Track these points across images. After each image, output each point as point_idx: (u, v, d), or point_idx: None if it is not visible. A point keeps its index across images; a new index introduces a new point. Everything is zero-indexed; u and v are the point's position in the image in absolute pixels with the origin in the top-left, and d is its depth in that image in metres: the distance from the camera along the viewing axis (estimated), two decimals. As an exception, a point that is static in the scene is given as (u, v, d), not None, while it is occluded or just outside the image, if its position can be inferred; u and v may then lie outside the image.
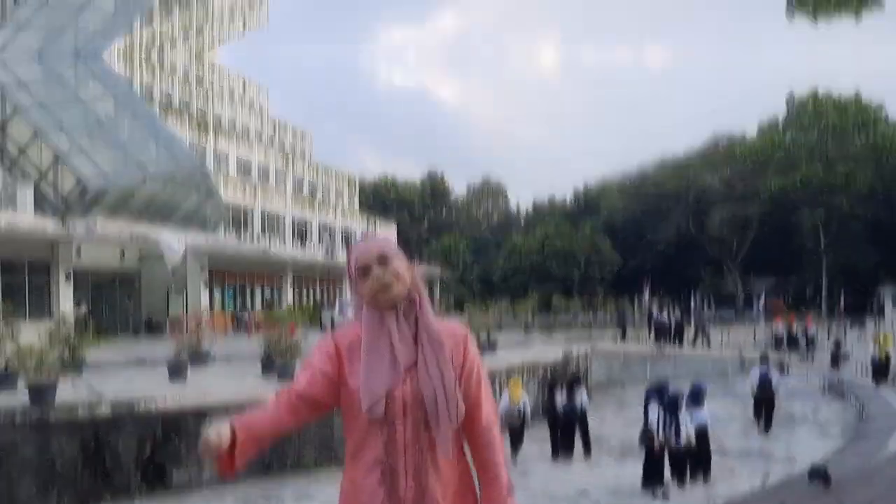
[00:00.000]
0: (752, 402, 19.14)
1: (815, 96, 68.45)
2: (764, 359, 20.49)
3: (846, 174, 60.73)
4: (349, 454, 2.57)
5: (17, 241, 24.99)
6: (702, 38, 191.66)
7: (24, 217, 25.07)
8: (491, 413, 2.58)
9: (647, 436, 11.51)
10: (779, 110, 73.20)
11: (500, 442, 2.57)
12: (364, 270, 2.50)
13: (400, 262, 2.54)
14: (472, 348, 2.60)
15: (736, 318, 55.25)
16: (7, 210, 25.28)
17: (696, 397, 13.02)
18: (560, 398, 15.62)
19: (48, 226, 25.34)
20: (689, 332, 38.92)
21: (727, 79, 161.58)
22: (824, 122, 64.61)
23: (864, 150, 62.03)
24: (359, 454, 2.53)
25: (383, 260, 2.49)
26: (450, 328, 2.59)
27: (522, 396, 15.18)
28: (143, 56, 49.52)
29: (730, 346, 35.81)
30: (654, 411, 11.44)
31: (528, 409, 15.61)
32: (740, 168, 71.71)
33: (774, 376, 19.15)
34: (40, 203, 26.96)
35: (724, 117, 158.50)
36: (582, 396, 15.65)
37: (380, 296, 2.48)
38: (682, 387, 13.93)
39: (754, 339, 38.68)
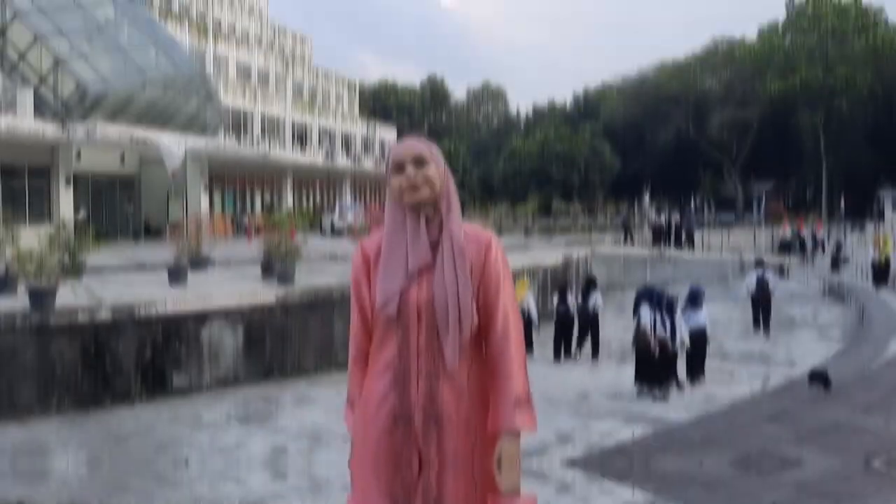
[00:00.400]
0: (750, 304, 19.45)
1: (813, -1, 67.36)
2: (760, 262, 21.29)
3: (846, 77, 60.10)
4: (371, 357, 2.58)
5: (17, 146, 24.78)
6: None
7: (23, 121, 24.75)
8: (510, 322, 2.52)
9: (640, 338, 11.52)
10: (778, 14, 71.90)
11: (516, 352, 2.51)
12: (398, 167, 2.50)
13: (434, 168, 2.52)
14: (496, 254, 2.56)
15: (736, 221, 55.31)
16: (7, 114, 24.95)
17: (694, 299, 13.21)
18: (572, 300, 16.00)
19: (48, 129, 25.06)
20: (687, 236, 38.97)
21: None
22: (824, 24, 63.58)
23: (863, 52, 61.23)
24: (376, 356, 2.54)
25: (419, 161, 2.49)
26: (475, 234, 2.57)
27: (527, 298, 15.53)
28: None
29: (730, 249, 35.88)
30: (647, 313, 11.46)
31: (535, 311, 15.88)
32: (740, 71, 70.75)
33: (771, 279, 19.81)
34: (40, 107, 26.60)
35: (724, 20, 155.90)
36: (596, 299, 15.95)
37: (406, 195, 2.49)
38: (681, 289, 14.00)
39: (754, 242, 38.74)
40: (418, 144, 2.56)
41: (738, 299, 21.92)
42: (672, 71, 75.17)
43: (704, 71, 74.42)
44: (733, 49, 72.25)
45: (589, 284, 16.45)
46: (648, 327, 11.35)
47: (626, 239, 38.41)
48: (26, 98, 25.86)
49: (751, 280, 19.69)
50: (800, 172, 71.00)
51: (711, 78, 74.92)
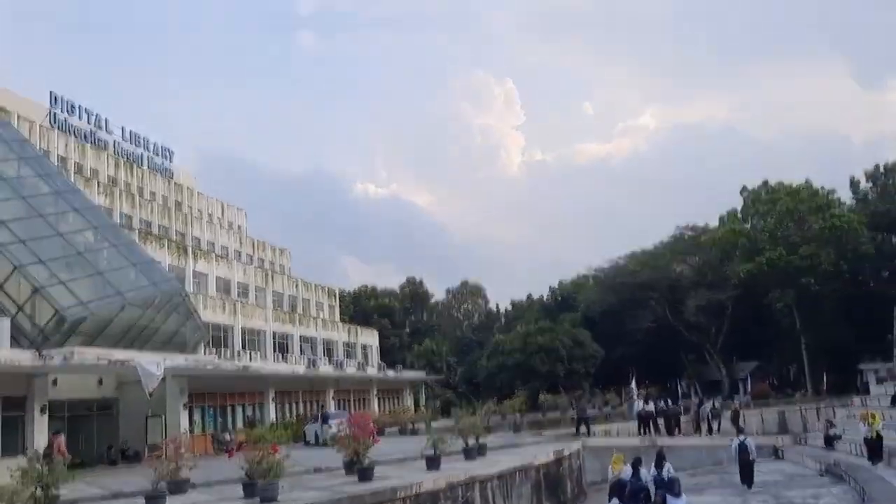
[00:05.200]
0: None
1: (766, 185, 70.88)
2: (741, 430, 27.21)
3: (810, 256, 62.06)
4: None
5: (-8, 377, 24.46)
6: (658, 130, 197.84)
7: (-1, 352, 24.56)
8: None
9: None
10: (735, 201, 75.42)
11: None
12: None
13: None
14: None
15: (723, 405, 54.74)
16: (-18, 346, 24.80)
17: (671, 488, 13.95)
18: (644, 471, 17.54)
19: (24, 358, 24.84)
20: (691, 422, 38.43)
21: (683, 170, 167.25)
22: (779, 207, 66.37)
23: (822, 232, 63.45)
24: None
25: None
26: None
27: (623, 469, 17.50)
28: (122, 187, 50.36)
29: (721, 434, 35.33)
30: None
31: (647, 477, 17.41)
32: (708, 256, 72.98)
33: (750, 444, 24.74)
34: (16, 336, 26.47)
35: (688, 211, 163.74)
36: (669, 468, 17.73)
37: None
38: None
39: (743, 424, 38.17)
40: None
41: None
42: (643, 259, 77.39)
43: (674, 258, 76.70)
44: (698, 236, 75.05)
45: (660, 457, 18.09)
46: None
47: (577, 431, 36.21)
48: (3, 328, 25.78)
49: (734, 445, 24.59)
50: (780, 351, 71.49)
51: (681, 264, 77.05)
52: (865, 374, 54.72)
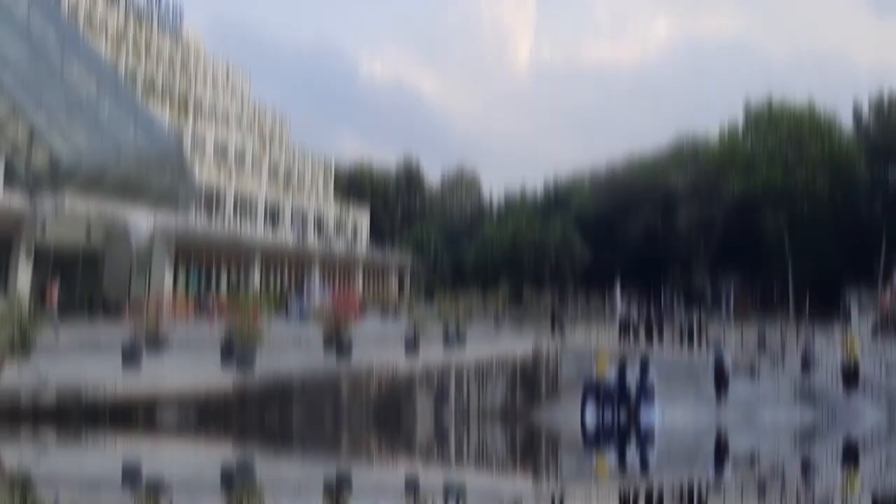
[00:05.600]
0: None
1: (769, 104, 69.38)
2: (717, 345, 28.46)
3: (805, 180, 61.66)
4: None
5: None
6: (669, 39, 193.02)
7: (-11, 190, 24.22)
8: None
9: None
10: (738, 113, 73.81)
11: None
12: None
13: None
14: None
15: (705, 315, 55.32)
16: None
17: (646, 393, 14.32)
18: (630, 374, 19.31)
19: (14, 201, 24.55)
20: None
21: (690, 82, 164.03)
22: (781, 129, 65.45)
23: (820, 157, 62.87)
24: None
25: None
26: None
27: (608, 369, 19.16)
28: (129, 41, 49.00)
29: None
30: (592, 408, 12.57)
31: None
32: (704, 169, 72.30)
33: (726, 356, 26.46)
34: (10, 178, 26.13)
35: (688, 118, 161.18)
36: (652, 375, 19.92)
37: None
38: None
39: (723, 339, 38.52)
40: None
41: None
42: (640, 166, 76.76)
43: (671, 167, 76.04)
44: (697, 148, 74.14)
45: (645, 363, 20.59)
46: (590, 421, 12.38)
47: (553, 331, 36.10)
48: (-4, 168, 25.43)
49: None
50: (767, 268, 71.77)
51: (677, 175, 76.44)
52: (849, 300, 55.16)
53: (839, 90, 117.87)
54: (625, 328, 37.89)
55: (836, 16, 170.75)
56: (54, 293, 22.29)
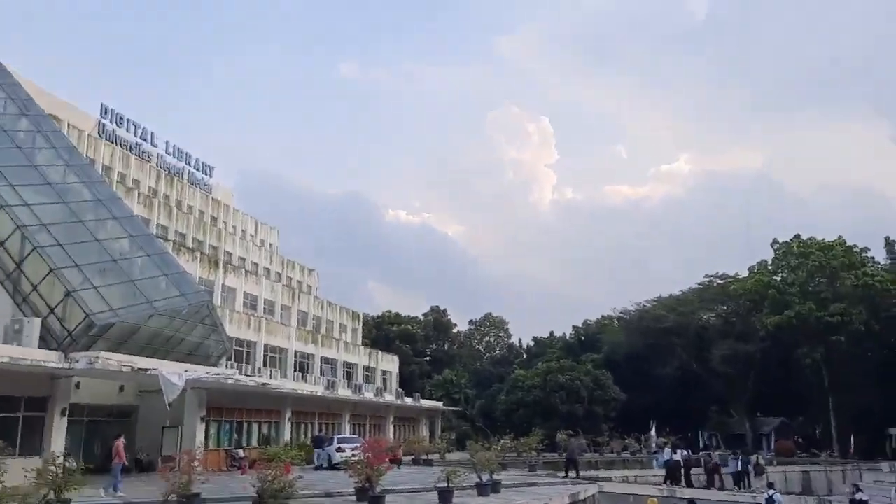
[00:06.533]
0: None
1: (798, 239, 69.32)
2: (771, 485, 29.46)
3: (841, 313, 60.51)
4: None
5: (17, 375, 24.64)
6: (692, 176, 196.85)
7: (27, 350, 24.76)
8: None
9: None
10: (766, 255, 73.73)
11: None
12: None
13: None
14: None
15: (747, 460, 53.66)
16: (12, 344, 25.06)
17: None
18: None
19: (50, 358, 25.06)
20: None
21: (717, 223, 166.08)
22: (811, 262, 64.93)
23: (854, 289, 62.01)
24: None
25: None
26: None
27: None
28: (161, 199, 51.21)
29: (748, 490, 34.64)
30: None
31: None
32: (736, 306, 71.79)
33: (780, 499, 26.79)
34: (45, 337, 26.76)
35: (718, 260, 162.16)
36: None
37: None
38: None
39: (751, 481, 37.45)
40: None
41: None
42: (669, 304, 76.50)
43: (701, 305, 75.66)
44: (727, 285, 73.63)
45: None
46: None
47: (566, 473, 34.16)
48: (33, 329, 26.08)
49: (764, 498, 27.32)
50: (807, 409, 70.00)
51: (708, 312, 76.06)
52: (894, 439, 53.46)
53: (869, 223, 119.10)
54: (671, 472, 37.06)
55: (861, 151, 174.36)
56: (121, 449, 22.29)
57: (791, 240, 69.86)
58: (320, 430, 46.29)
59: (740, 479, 37.02)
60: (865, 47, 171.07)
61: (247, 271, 53.47)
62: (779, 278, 68.96)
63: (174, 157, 56.63)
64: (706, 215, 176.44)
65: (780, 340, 64.88)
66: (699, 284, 77.67)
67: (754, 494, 35.13)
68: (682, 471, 37.35)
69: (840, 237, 67.56)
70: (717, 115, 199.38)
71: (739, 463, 37.78)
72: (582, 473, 35.62)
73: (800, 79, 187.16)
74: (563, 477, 33.05)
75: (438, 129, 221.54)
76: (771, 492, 27.27)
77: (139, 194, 47.79)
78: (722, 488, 36.40)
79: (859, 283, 61.92)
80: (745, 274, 73.19)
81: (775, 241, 71.81)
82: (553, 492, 24.06)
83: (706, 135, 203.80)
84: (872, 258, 67.67)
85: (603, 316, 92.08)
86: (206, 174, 59.85)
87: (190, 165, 58.00)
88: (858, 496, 31.70)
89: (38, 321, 26.35)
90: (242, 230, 62.48)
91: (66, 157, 32.93)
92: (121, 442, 22.78)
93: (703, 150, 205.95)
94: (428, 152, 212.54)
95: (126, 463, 22.03)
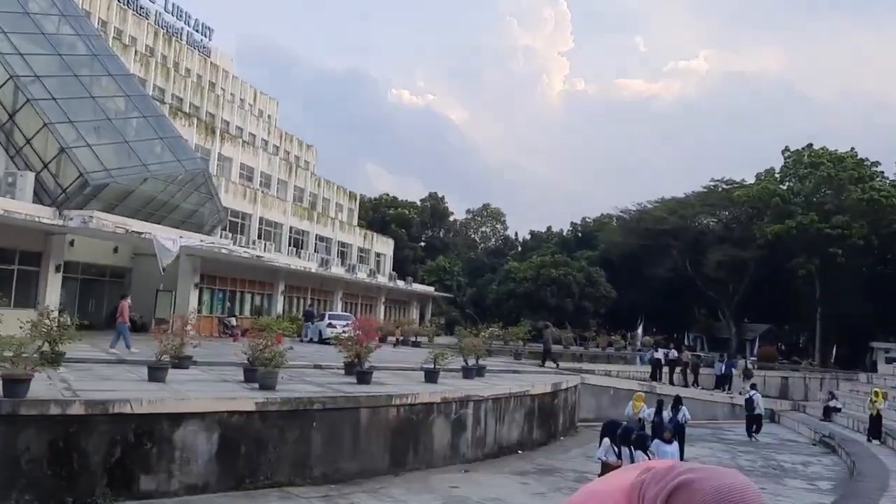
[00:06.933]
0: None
1: (810, 148, 68.37)
2: (753, 385, 29.89)
3: (842, 226, 60.37)
4: None
5: (11, 229, 24.62)
6: (709, 75, 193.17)
7: (20, 204, 24.64)
8: None
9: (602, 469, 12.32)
10: (775, 160, 72.96)
11: None
12: None
13: None
14: None
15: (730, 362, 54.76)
16: (6, 197, 24.91)
17: (661, 433, 14.50)
18: (666, 413, 19.49)
19: (44, 214, 24.97)
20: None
21: (731, 134, 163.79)
22: (820, 172, 64.30)
23: (860, 203, 61.61)
24: None
25: None
26: None
27: (643, 409, 19.74)
28: (159, 59, 49.91)
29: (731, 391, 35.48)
30: (604, 447, 12.80)
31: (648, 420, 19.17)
32: (738, 212, 71.55)
33: (757, 397, 27.79)
34: (39, 193, 26.59)
35: (726, 164, 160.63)
36: (684, 412, 20.20)
37: None
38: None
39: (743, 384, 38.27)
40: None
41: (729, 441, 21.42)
42: (671, 206, 76.15)
43: (703, 209, 75.36)
44: (731, 190, 73.09)
45: (677, 401, 20.48)
46: (605, 459, 12.49)
47: (543, 362, 34.46)
48: (27, 183, 25.88)
49: (745, 398, 28.41)
50: (795, 317, 70.85)
51: (709, 217, 75.86)
52: (876, 352, 54.37)
53: (887, 137, 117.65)
54: (654, 368, 37.99)
55: (887, 61, 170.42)
56: (125, 309, 22.46)
57: (802, 149, 68.82)
58: (309, 306, 46.83)
59: (724, 383, 37.84)
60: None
61: (244, 142, 52.85)
62: (785, 187, 68.47)
63: (173, 15, 54.83)
64: (719, 118, 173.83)
65: (777, 249, 64.91)
66: (703, 188, 77.02)
67: (732, 396, 36.03)
68: (664, 369, 38.23)
69: (852, 149, 66.64)
70: (744, 14, 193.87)
71: (724, 366, 38.52)
72: (565, 365, 36.33)
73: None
74: (540, 365, 33.65)
75: (450, 6, 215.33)
76: (752, 392, 28.41)
77: (136, 52, 46.53)
78: (696, 386, 37.35)
79: (865, 196, 61.52)
80: (751, 181, 72.62)
81: (786, 149, 70.73)
82: (536, 379, 24.50)
83: (729, 33, 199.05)
84: (882, 173, 66.92)
85: (602, 214, 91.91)
86: (205, 36, 58.19)
87: (189, 26, 56.29)
88: (832, 403, 32.51)
89: (31, 175, 26.12)
90: (241, 98, 61.32)
91: (61, 7, 31.78)
92: (126, 302, 22.92)
93: (723, 47, 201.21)
94: (437, 32, 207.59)
95: (128, 323, 22.19)
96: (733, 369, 38.69)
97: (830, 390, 36.27)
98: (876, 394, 26.04)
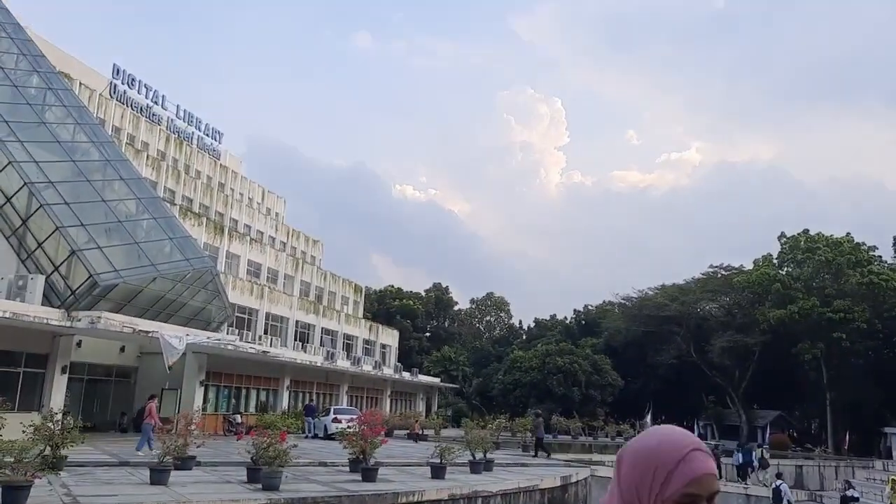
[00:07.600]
0: None
1: (806, 234, 69.02)
2: (779, 475, 30.69)
3: (844, 310, 60.23)
4: None
5: (19, 331, 24.79)
6: (702, 165, 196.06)
7: (29, 307, 24.88)
8: None
9: None
10: (772, 249, 73.45)
11: None
12: (686, 499, 1.66)
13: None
14: None
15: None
16: (16, 300, 25.18)
17: None
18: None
19: (52, 316, 25.18)
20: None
21: (725, 220, 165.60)
22: (817, 257, 64.60)
23: (859, 287, 61.67)
24: None
25: (713, 499, 1.72)
26: None
27: None
28: (170, 163, 51.15)
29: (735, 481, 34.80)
30: None
31: None
32: (739, 297, 71.55)
33: (785, 488, 28.57)
34: (49, 295, 26.88)
35: (723, 251, 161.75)
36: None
37: None
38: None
39: (757, 475, 37.59)
40: (713, 468, 1.71)
41: None
42: (672, 293, 76.27)
43: (703, 295, 75.39)
44: (731, 276, 73.32)
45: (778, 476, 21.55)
46: None
47: (536, 453, 33.09)
48: (37, 285, 26.19)
49: (772, 488, 29.12)
50: (803, 403, 69.98)
51: (711, 302, 75.81)
52: (889, 437, 53.50)
53: (879, 220, 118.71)
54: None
55: (874, 148, 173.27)
56: (153, 410, 22.40)
57: (799, 234, 69.48)
58: (310, 400, 46.39)
59: (744, 472, 37.25)
60: (884, 45, 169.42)
61: (252, 239, 53.53)
62: (784, 272, 68.69)
63: (184, 121, 56.50)
64: (713, 206, 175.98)
65: (780, 334, 64.68)
66: (703, 274, 77.42)
67: (746, 487, 35.35)
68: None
69: (848, 233, 67.27)
70: (732, 106, 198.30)
71: (741, 455, 38.00)
72: (575, 457, 35.78)
73: (816, 73, 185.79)
74: (533, 456, 32.82)
75: (449, 106, 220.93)
76: (779, 482, 28.80)
77: (148, 157, 47.76)
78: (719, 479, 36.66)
79: (864, 280, 61.60)
80: (749, 266, 72.99)
81: (783, 235, 71.49)
82: (545, 472, 24.15)
83: (719, 124, 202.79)
84: (879, 256, 67.35)
85: (604, 301, 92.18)
86: (215, 140, 59.77)
87: (199, 130, 57.89)
88: (850, 493, 31.82)
89: (41, 278, 26.45)
90: (249, 198, 62.47)
91: (76, 116, 32.92)
92: (154, 403, 22.92)
93: (715, 139, 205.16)
94: (437, 129, 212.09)
95: (155, 424, 22.03)
96: (751, 457, 38.13)
97: (847, 479, 35.58)
98: (893, 482, 25.62)
